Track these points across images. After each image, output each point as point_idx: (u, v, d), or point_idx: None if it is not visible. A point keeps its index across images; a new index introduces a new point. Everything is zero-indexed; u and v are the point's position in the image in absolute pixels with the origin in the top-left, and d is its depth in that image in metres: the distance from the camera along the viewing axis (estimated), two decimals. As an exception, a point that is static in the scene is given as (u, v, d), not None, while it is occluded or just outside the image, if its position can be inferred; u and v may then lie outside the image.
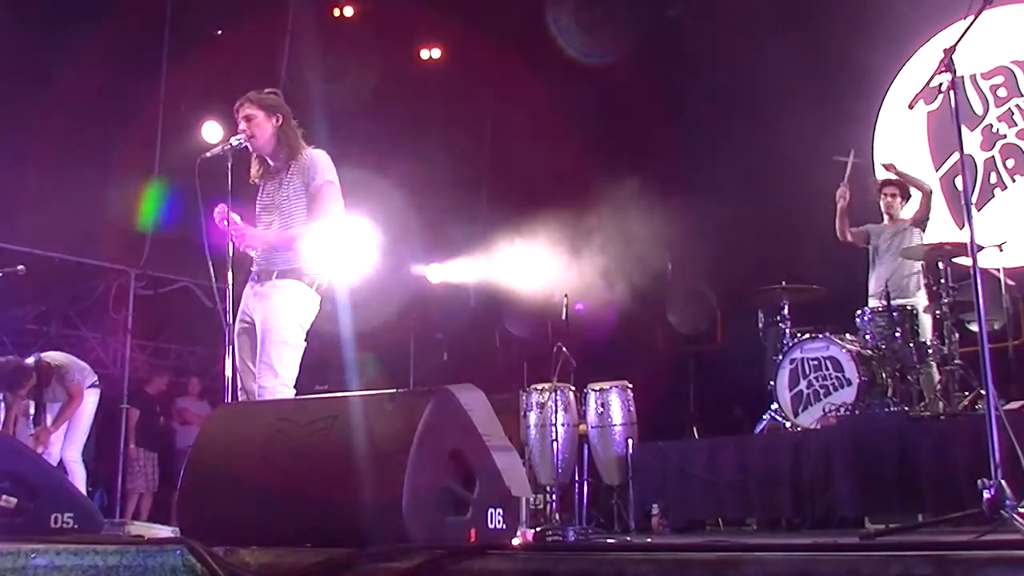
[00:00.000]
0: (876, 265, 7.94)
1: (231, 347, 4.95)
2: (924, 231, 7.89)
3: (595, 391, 8.34)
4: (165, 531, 6.65)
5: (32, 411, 7.78)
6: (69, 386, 7.79)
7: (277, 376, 4.89)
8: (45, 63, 9.34)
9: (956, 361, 7.03)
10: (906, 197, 8.05)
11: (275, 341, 4.93)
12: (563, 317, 8.72)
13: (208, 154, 5.11)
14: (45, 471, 5.22)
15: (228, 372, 4.93)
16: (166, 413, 11.60)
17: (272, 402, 4.65)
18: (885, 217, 8.06)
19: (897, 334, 7.22)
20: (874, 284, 7.86)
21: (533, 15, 11.07)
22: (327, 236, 5.09)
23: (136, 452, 11.05)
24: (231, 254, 5.06)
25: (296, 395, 4.93)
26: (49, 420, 7.68)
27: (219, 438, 3.69)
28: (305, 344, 5.07)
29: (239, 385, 5.01)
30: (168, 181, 9.94)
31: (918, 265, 7.71)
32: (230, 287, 4.98)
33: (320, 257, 5.10)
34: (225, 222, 5.03)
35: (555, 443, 8.15)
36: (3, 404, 7.75)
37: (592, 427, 8.30)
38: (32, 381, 7.71)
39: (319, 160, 5.14)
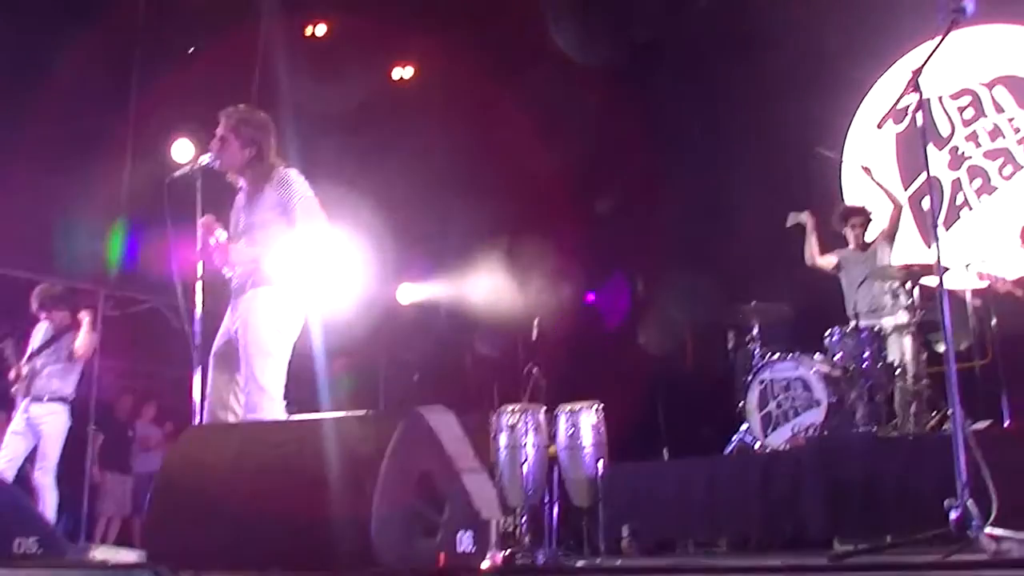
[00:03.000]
0: (852, 291, 7.96)
1: (200, 369, 4.90)
2: (892, 247, 7.95)
3: (565, 412, 8.31)
4: (132, 555, 6.58)
5: (42, 342, 7.87)
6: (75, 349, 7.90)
7: (263, 391, 4.80)
8: (13, 79, 9.27)
9: (924, 381, 7.08)
10: (869, 221, 8.12)
11: (255, 354, 4.85)
12: (534, 338, 8.72)
13: (177, 174, 5.08)
14: (7, 493, 5.15)
15: (196, 395, 4.88)
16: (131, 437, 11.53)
17: (240, 424, 4.62)
18: (851, 243, 8.10)
19: (865, 355, 7.25)
20: (851, 309, 7.89)
21: (507, 35, 11.10)
22: (307, 246, 5.03)
23: (103, 475, 10.94)
24: (200, 274, 5.02)
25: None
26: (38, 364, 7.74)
27: (187, 461, 3.67)
28: (289, 354, 4.98)
29: (208, 409, 4.94)
30: (136, 201, 9.88)
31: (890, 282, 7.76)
32: (199, 308, 4.94)
33: (298, 267, 5.03)
34: (211, 239, 4.98)
35: (525, 465, 8.12)
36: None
37: (562, 449, 8.28)
38: (64, 314, 7.97)
39: (293, 181, 5.08)
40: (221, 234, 5.04)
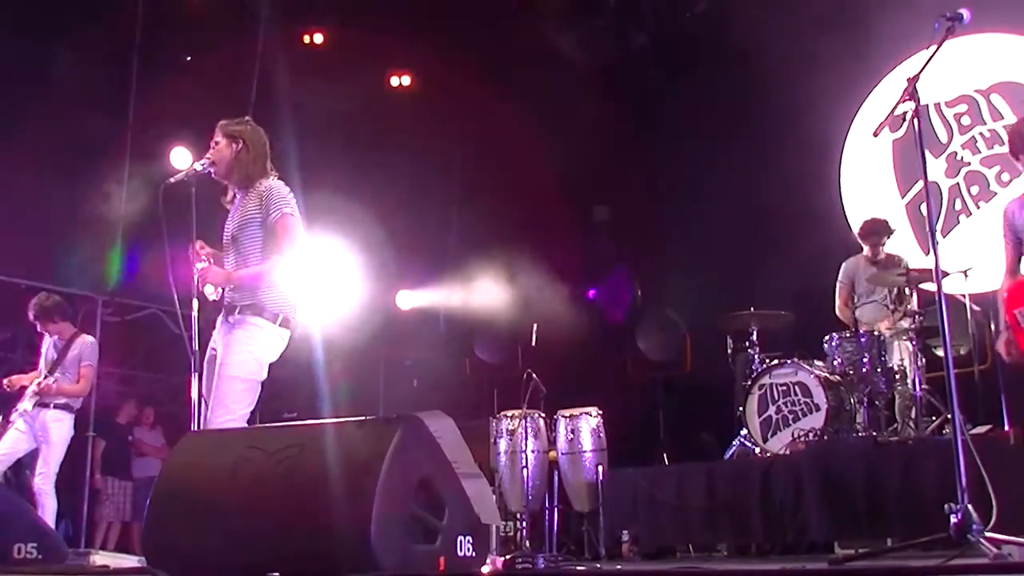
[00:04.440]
0: (863, 302, 7.90)
1: (197, 374, 4.91)
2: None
3: (565, 417, 8.33)
4: (131, 561, 6.57)
5: (51, 359, 7.77)
6: (84, 368, 7.76)
7: (228, 411, 4.83)
8: (12, 88, 9.28)
9: (923, 386, 7.07)
10: (891, 233, 8.00)
11: (228, 376, 4.87)
12: (532, 344, 8.73)
13: (173, 179, 5.07)
14: (7, 500, 5.15)
15: (195, 399, 4.88)
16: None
17: (240, 430, 4.62)
18: (867, 252, 7.98)
19: (865, 359, 7.26)
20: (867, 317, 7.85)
21: (503, 42, 11.11)
22: (289, 270, 5.04)
23: (104, 481, 10.94)
24: (197, 280, 5.02)
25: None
26: (52, 381, 7.65)
27: (186, 466, 3.66)
28: (263, 379, 5.00)
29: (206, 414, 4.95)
30: (135, 208, 9.88)
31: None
32: (196, 313, 4.94)
33: (284, 291, 5.05)
34: (199, 263, 4.99)
35: (525, 470, 8.14)
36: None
37: (562, 454, 8.29)
38: (62, 326, 7.81)
39: (275, 191, 5.06)
40: (205, 260, 5.03)
